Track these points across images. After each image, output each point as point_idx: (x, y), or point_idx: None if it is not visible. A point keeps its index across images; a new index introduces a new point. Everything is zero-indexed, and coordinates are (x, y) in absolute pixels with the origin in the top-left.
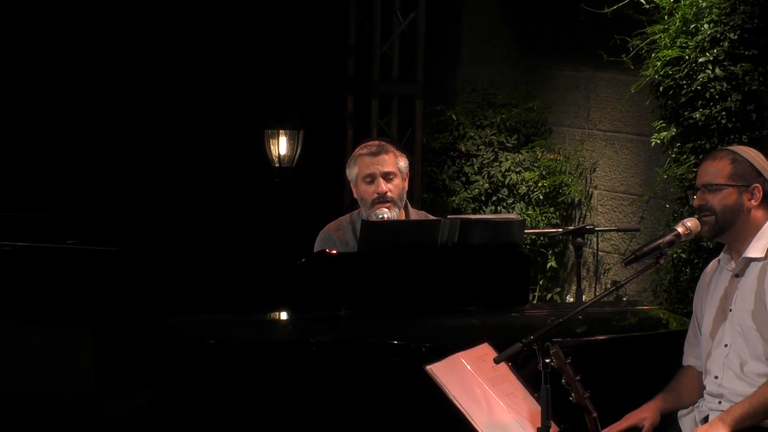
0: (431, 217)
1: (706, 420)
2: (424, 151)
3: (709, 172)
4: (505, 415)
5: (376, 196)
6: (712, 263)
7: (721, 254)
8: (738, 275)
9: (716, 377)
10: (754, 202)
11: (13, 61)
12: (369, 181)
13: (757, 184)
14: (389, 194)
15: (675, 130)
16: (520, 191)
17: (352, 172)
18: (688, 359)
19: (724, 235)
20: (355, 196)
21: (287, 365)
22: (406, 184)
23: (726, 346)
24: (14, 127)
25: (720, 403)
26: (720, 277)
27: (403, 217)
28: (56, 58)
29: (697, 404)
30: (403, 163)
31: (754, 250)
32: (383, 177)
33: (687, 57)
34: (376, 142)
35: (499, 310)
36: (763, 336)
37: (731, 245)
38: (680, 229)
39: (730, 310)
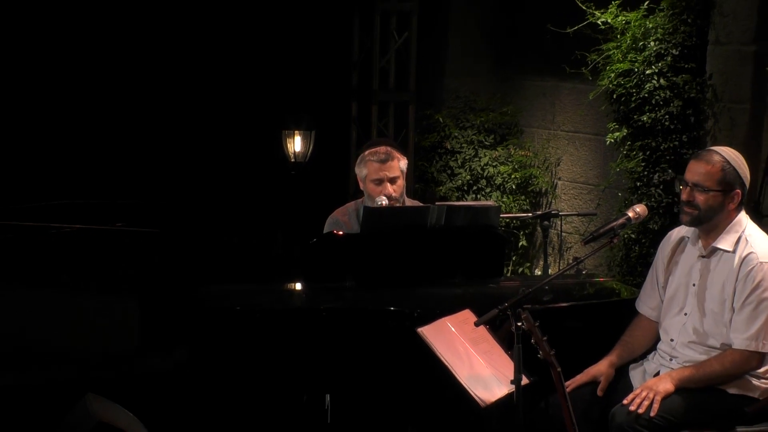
0: (422, 204)
1: (657, 374)
2: (416, 149)
3: (701, 174)
4: (484, 369)
5: (383, 196)
6: (677, 232)
7: (688, 231)
8: (705, 257)
9: (672, 339)
10: (732, 206)
11: (72, 61)
12: (377, 183)
13: (738, 190)
14: (394, 195)
15: (626, 130)
16: (496, 182)
17: (362, 171)
18: (642, 307)
19: (700, 226)
20: (362, 188)
21: (301, 328)
22: (405, 180)
23: (686, 314)
24: (76, 130)
25: (671, 360)
26: (686, 252)
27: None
28: (111, 66)
29: (646, 358)
30: (404, 164)
31: (723, 243)
32: (390, 181)
33: (636, 69)
34: (384, 149)
35: (479, 281)
36: (721, 317)
37: (703, 232)
38: (631, 214)
39: (694, 285)
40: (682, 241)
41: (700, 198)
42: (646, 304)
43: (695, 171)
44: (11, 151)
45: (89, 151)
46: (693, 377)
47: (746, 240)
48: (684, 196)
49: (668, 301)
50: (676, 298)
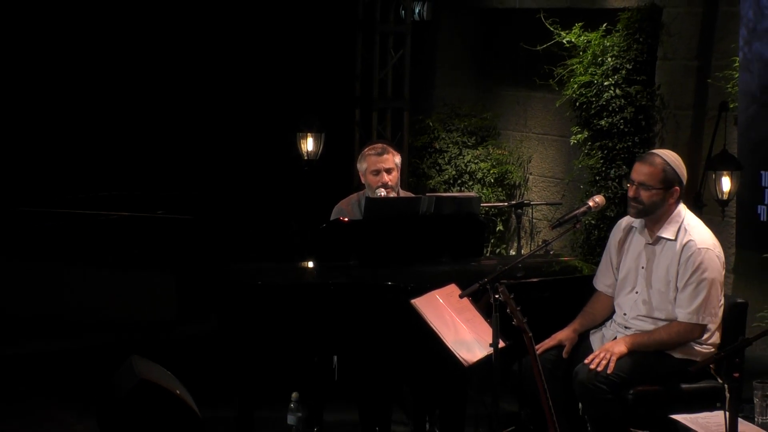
0: (414, 195)
1: (614, 339)
2: (409, 148)
3: (644, 173)
4: (467, 335)
5: (380, 185)
6: (626, 220)
7: (635, 221)
8: (651, 244)
9: (625, 314)
10: (672, 200)
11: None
12: (375, 173)
13: (677, 187)
14: (390, 183)
15: (587, 133)
16: (477, 176)
17: (362, 166)
18: (599, 285)
19: (645, 217)
20: (363, 182)
21: (313, 300)
22: (399, 173)
23: (637, 293)
24: (124, 132)
25: (625, 330)
26: (635, 239)
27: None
28: (144, 67)
29: (605, 325)
30: (398, 159)
31: (666, 232)
32: (386, 171)
33: (596, 81)
34: (380, 145)
35: (463, 260)
36: (667, 295)
37: (648, 223)
38: (591, 204)
39: (642, 268)
40: (631, 229)
41: (644, 195)
42: (602, 282)
43: (640, 171)
44: (67, 147)
45: (135, 150)
46: (644, 342)
47: (686, 229)
48: (631, 193)
49: (621, 281)
50: (628, 279)
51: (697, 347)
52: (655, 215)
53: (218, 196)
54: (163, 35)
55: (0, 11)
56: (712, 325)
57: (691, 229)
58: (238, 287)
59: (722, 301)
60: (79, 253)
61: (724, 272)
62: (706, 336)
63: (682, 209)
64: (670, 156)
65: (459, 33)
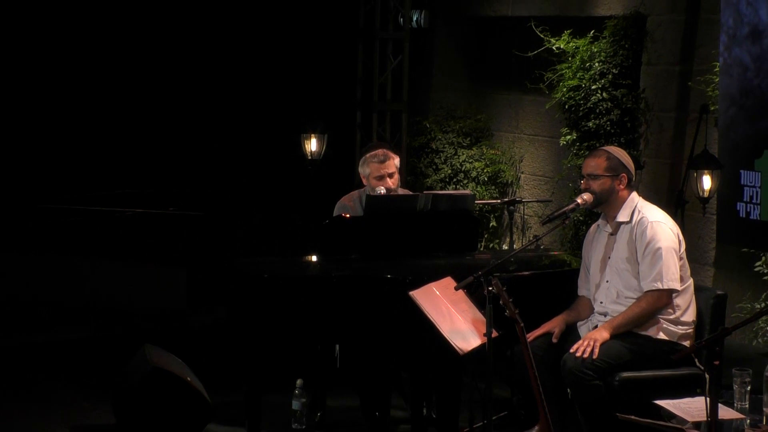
0: (413, 192)
1: (596, 327)
2: (408, 148)
3: (591, 166)
4: (462, 325)
5: (383, 189)
6: (593, 226)
7: (600, 220)
8: (612, 234)
9: (601, 302)
10: (621, 186)
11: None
12: (379, 179)
13: (624, 174)
14: (392, 187)
15: (575, 134)
16: (471, 175)
17: (365, 170)
18: (581, 291)
19: (601, 207)
20: (365, 184)
21: (316, 292)
22: (399, 174)
23: (607, 282)
24: (139, 133)
25: (605, 317)
26: (600, 235)
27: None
28: (158, 74)
29: (589, 318)
30: (397, 161)
31: (622, 216)
32: (388, 176)
33: (584, 85)
34: (381, 151)
35: (458, 254)
36: (631, 273)
37: (606, 213)
38: (579, 201)
39: (609, 258)
40: (596, 230)
41: (594, 184)
42: (584, 288)
43: (588, 165)
44: (86, 148)
45: (149, 151)
46: (622, 323)
47: (639, 210)
48: (583, 186)
49: (594, 276)
50: (599, 272)
51: (673, 327)
52: (608, 203)
53: (227, 194)
54: (176, 41)
55: (20, 12)
56: (681, 300)
57: (644, 209)
58: (246, 279)
59: (691, 281)
60: (97, 247)
61: (683, 247)
62: (678, 313)
63: (636, 196)
64: (613, 148)
65: (454, 40)
